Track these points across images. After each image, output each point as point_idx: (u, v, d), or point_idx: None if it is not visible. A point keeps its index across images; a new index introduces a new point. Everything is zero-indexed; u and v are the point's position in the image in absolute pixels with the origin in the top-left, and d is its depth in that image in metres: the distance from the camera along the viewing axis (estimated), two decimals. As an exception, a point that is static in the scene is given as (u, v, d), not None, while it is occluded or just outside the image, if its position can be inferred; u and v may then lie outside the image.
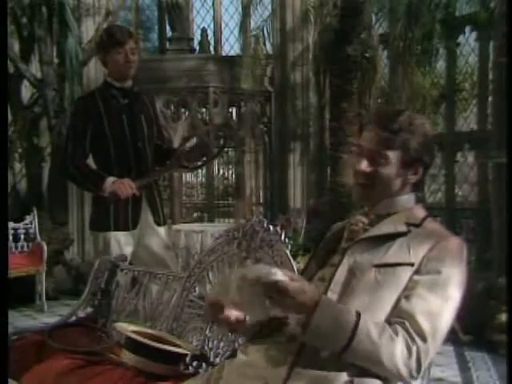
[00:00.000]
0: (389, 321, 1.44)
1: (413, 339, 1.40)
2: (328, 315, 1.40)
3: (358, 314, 1.41)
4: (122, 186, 2.89)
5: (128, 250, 3.02)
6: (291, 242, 2.10)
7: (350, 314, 1.41)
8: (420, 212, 1.63)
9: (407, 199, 1.64)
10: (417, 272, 1.48)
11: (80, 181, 3.07)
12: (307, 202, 7.02)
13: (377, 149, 1.58)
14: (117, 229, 3.02)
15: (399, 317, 1.43)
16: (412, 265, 1.48)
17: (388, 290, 1.47)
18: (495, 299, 4.29)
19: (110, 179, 2.93)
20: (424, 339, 1.40)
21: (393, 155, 1.57)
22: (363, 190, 1.63)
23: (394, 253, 1.51)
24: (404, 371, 1.39)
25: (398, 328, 1.41)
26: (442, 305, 1.45)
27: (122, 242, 3.02)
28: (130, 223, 3.03)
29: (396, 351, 1.38)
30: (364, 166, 1.59)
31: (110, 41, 3.02)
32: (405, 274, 1.48)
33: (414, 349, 1.39)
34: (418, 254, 1.49)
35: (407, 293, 1.46)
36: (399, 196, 1.63)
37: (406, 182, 1.62)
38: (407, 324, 1.41)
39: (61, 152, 3.20)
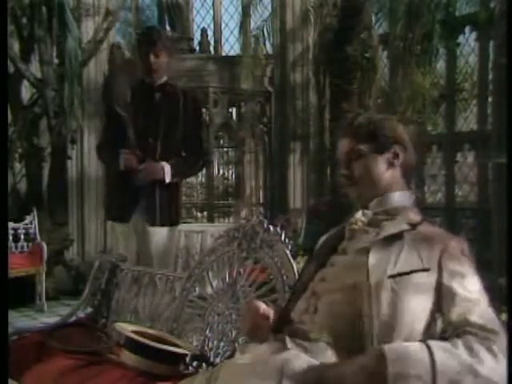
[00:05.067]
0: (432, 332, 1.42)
1: (487, 339, 1.37)
2: (401, 362, 1.32)
3: (428, 346, 1.35)
4: (128, 158, 3.03)
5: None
6: (291, 242, 2.10)
7: (420, 350, 1.35)
8: (416, 215, 1.64)
9: (401, 196, 1.65)
10: (441, 279, 1.46)
11: (108, 162, 3.27)
12: (307, 203, 7.02)
13: (348, 150, 1.67)
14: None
15: (461, 328, 1.41)
16: (427, 270, 1.47)
17: (407, 298, 1.44)
18: (495, 300, 4.28)
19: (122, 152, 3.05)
20: (495, 332, 1.39)
21: (363, 147, 1.65)
22: (353, 189, 1.69)
23: (405, 261, 1.49)
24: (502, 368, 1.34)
25: (468, 337, 1.38)
26: (481, 297, 1.46)
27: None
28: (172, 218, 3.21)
29: (477, 353, 1.34)
30: (342, 170, 1.69)
31: (141, 41, 3.17)
32: (422, 278, 1.47)
33: (495, 347, 1.36)
34: (429, 258, 1.48)
35: (448, 304, 1.44)
36: (391, 192, 1.65)
37: (392, 167, 1.65)
38: (470, 330, 1.39)
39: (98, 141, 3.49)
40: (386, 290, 1.47)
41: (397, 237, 1.54)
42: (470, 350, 1.35)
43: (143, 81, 3.15)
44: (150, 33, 3.18)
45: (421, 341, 1.38)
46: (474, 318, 1.41)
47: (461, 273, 1.48)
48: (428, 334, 1.44)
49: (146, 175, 3.02)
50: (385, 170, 1.65)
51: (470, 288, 1.46)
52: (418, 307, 1.45)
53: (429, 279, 1.47)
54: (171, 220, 3.18)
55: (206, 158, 3.41)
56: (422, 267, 1.48)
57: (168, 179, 3.06)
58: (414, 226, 1.57)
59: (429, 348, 1.34)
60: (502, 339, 1.39)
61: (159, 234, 3.14)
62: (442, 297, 1.46)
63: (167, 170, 3.06)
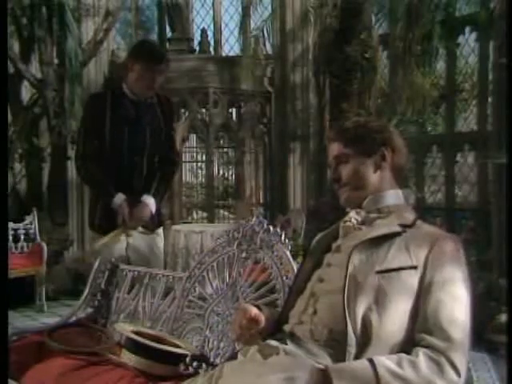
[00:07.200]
0: (412, 334, 1.43)
1: (437, 350, 1.37)
2: (345, 379, 1.35)
3: (370, 360, 1.37)
4: (123, 216, 2.86)
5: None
6: (291, 242, 2.10)
7: (363, 365, 1.37)
8: (410, 214, 1.64)
9: (393, 195, 1.66)
10: (424, 278, 1.46)
11: (90, 184, 3.13)
12: (307, 203, 7.01)
13: (336, 154, 1.69)
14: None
15: (421, 331, 1.42)
16: (415, 267, 1.47)
17: (394, 296, 1.45)
18: (495, 300, 4.29)
19: (120, 198, 2.87)
20: (451, 341, 1.39)
21: (350, 150, 1.67)
22: (341, 193, 1.69)
23: (394, 256, 1.49)
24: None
25: (417, 349, 1.39)
26: (458, 303, 1.44)
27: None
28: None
29: (423, 371, 1.35)
30: (332, 174, 1.71)
31: (147, 55, 2.93)
32: (410, 277, 1.46)
33: (443, 359, 1.37)
34: (418, 255, 1.48)
35: (423, 302, 1.44)
36: (384, 191, 1.65)
37: (380, 169, 1.66)
38: (427, 338, 1.40)
39: (74, 152, 3.24)
40: (373, 285, 1.46)
41: (388, 236, 1.54)
42: (414, 366, 1.35)
43: (124, 93, 2.96)
44: (159, 50, 3.10)
45: (368, 359, 1.37)
46: (442, 319, 1.41)
47: (444, 273, 1.46)
48: (408, 339, 1.43)
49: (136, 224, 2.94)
50: (372, 173, 1.66)
51: (449, 290, 1.45)
52: (401, 310, 1.44)
53: (415, 278, 1.47)
54: (160, 223, 3.17)
55: (178, 162, 3.29)
56: (410, 264, 1.48)
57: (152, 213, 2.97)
58: (406, 227, 1.56)
59: (374, 368, 1.34)
60: (461, 350, 1.39)
61: (157, 237, 3.14)
62: (421, 295, 1.45)
63: (152, 207, 2.95)
